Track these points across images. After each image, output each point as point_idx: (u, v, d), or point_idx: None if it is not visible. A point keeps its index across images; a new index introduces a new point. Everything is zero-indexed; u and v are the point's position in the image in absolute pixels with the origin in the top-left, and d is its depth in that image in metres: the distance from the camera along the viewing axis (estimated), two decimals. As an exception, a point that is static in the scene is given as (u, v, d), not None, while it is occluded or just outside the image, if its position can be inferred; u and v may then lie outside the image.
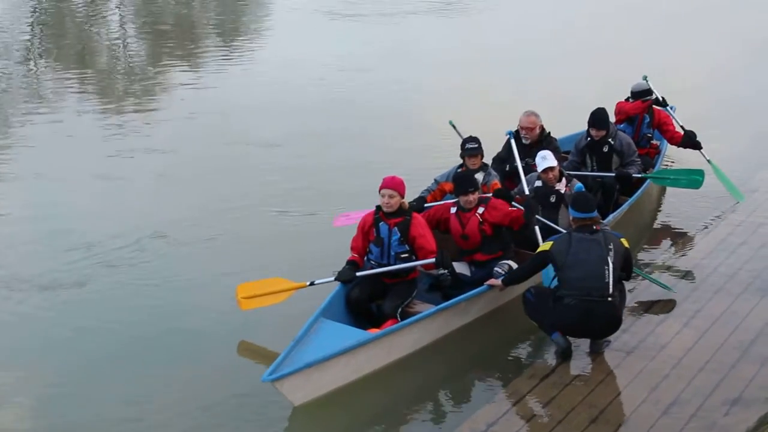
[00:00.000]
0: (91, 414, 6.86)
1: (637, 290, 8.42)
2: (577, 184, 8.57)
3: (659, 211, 10.82)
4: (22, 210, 10.74)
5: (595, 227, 7.39)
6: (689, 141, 10.95)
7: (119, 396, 7.04)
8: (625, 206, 9.66)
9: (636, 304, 8.19)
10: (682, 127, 11.09)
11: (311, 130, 13.57)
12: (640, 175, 10.01)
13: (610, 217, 9.26)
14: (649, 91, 11.05)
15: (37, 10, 24.35)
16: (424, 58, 18.24)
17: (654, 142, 11.15)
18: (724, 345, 7.51)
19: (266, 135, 13.38)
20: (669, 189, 10.98)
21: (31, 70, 18.06)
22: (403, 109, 14.74)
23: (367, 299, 7.87)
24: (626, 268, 7.48)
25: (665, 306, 8.19)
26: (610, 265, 7.17)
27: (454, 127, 10.01)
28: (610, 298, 7.16)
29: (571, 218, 7.55)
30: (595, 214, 7.55)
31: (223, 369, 7.42)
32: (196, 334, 7.97)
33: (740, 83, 16.48)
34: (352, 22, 22.35)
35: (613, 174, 9.89)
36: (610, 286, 7.15)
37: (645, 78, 11.22)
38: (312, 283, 7.90)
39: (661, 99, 11.09)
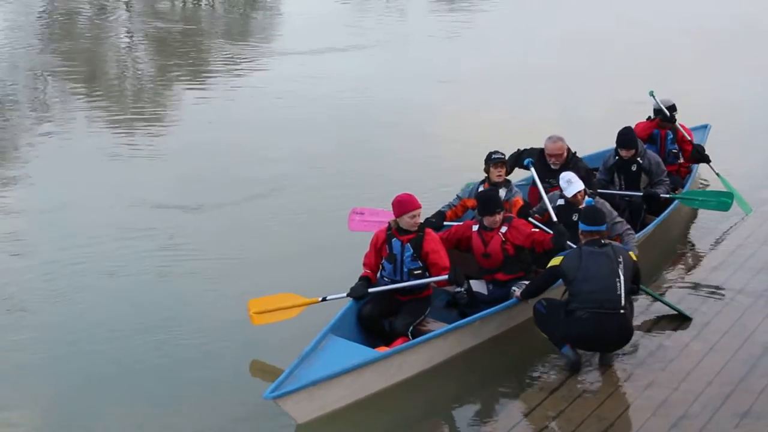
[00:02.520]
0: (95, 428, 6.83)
1: (647, 304, 8.28)
2: (588, 199, 8.42)
3: (687, 231, 10.50)
4: (23, 217, 10.70)
5: (603, 240, 7.31)
6: (697, 155, 10.79)
7: (123, 411, 6.97)
8: (651, 226, 9.45)
9: (645, 318, 8.06)
10: (690, 141, 10.93)
11: (320, 144, 13.42)
12: (668, 196, 9.79)
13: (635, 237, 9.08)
14: (671, 107, 10.81)
15: (44, 21, 24.37)
16: (433, 76, 18.00)
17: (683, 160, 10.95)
18: (734, 358, 7.38)
19: (275, 149, 13.25)
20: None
21: (39, 83, 18.01)
22: (414, 125, 14.57)
23: (379, 316, 7.71)
24: (635, 280, 7.42)
25: (674, 319, 8.07)
26: (621, 277, 7.10)
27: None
28: (622, 311, 7.09)
29: (580, 231, 7.46)
30: (605, 227, 7.46)
31: (230, 384, 7.32)
32: (205, 350, 7.86)
33: (749, 98, 16.23)
34: (360, 36, 22.22)
35: (641, 194, 9.71)
36: (622, 299, 7.08)
37: (651, 93, 11.05)
38: (324, 299, 7.79)
39: (668, 114, 10.90)
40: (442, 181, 11.23)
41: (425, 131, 14.21)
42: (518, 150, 9.74)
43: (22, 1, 26.01)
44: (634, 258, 7.40)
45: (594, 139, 11.41)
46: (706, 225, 10.44)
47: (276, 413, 6.63)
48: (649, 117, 10.95)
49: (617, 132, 9.88)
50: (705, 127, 11.90)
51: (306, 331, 7.43)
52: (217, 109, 15.73)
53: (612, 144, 10.06)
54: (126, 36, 22.96)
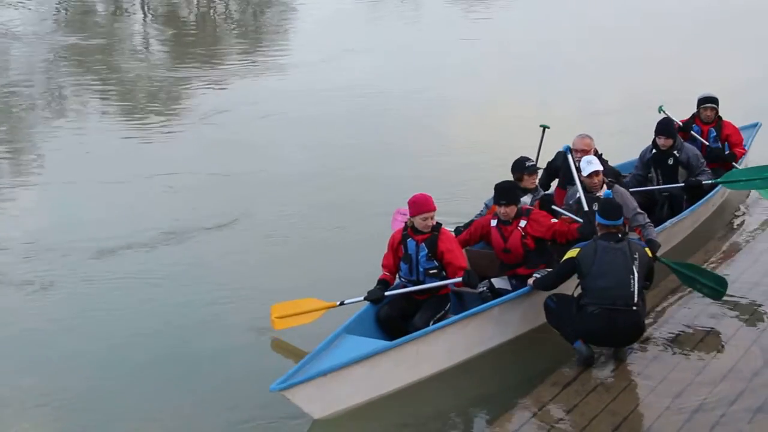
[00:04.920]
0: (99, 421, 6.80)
1: (660, 298, 8.14)
2: (606, 191, 8.15)
3: (710, 224, 10.02)
4: (42, 219, 10.71)
5: (620, 235, 7.16)
6: (714, 157, 10.22)
7: (140, 407, 6.94)
8: (686, 212, 9.19)
9: (658, 312, 7.90)
10: (708, 145, 10.32)
11: (336, 144, 13.28)
12: (710, 182, 9.44)
13: (668, 222, 8.84)
14: (704, 100, 10.37)
15: (60, 17, 24.43)
16: (451, 69, 17.82)
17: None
18: (747, 353, 7.21)
19: (292, 147, 13.17)
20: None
21: (53, 80, 18.05)
22: (431, 122, 14.46)
23: (397, 317, 7.56)
24: (649, 277, 7.29)
25: (688, 314, 7.90)
26: (635, 274, 6.98)
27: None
28: (635, 307, 6.96)
29: (596, 224, 7.30)
30: (621, 222, 7.31)
31: (247, 381, 7.23)
32: (224, 349, 7.79)
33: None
34: (374, 34, 22.07)
35: (681, 185, 9.40)
36: (635, 295, 6.96)
37: (660, 109, 10.41)
38: (342, 303, 7.66)
39: (680, 124, 10.36)
40: (462, 180, 11.15)
41: (442, 130, 14.07)
42: (548, 164, 9.54)
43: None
44: (650, 254, 7.27)
45: (619, 144, 11.20)
46: (718, 219, 10.17)
47: (290, 407, 6.53)
48: (693, 114, 10.45)
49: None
50: (755, 125, 11.49)
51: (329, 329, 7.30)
52: (232, 102, 15.69)
53: (633, 154, 9.83)
54: (140, 34, 22.99)
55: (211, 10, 27.22)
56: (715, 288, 7.82)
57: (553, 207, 8.24)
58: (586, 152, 9.11)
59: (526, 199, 8.40)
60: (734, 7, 23.02)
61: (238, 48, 21.45)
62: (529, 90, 16.34)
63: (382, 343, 6.92)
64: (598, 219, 7.29)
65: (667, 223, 8.87)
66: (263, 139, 13.73)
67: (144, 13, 26.06)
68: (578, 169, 8.58)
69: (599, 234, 7.25)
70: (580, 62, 17.95)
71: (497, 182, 8.00)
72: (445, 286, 7.64)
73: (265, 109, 15.43)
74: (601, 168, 8.26)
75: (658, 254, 7.97)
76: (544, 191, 9.05)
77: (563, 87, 16.18)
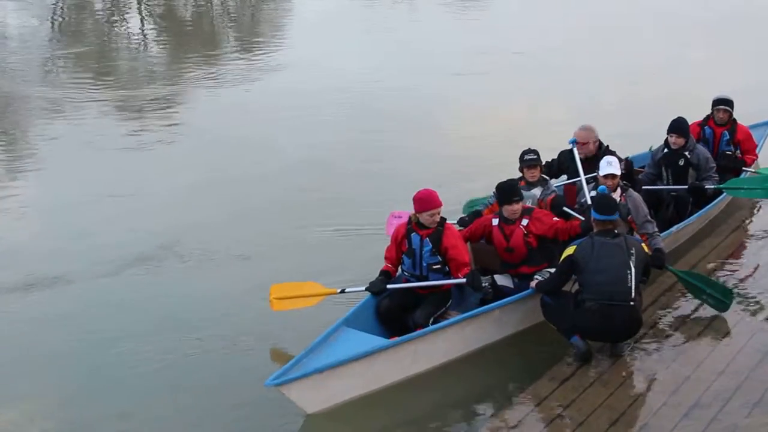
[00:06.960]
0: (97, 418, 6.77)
1: (657, 293, 8.07)
2: (600, 187, 7.98)
3: (743, 226, 9.83)
4: (41, 219, 10.62)
5: (615, 231, 7.11)
6: (724, 165, 9.96)
7: (133, 404, 6.90)
8: (693, 218, 9.09)
9: (656, 308, 7.84)
10: (714, 152, 10.04)
11: (337, 140, 13.16)
12: (713, 187, 9.32)
13: (674, 228, 8.74)
14: (718, 102, 10.10)
15: (57, 16, 24.31)
16: (448, 66, 17.60)
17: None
18: (744, 348, 7.15)
19: (292, 143, 13.03)
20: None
21: (51, 76, 17.88)
22: (429, 118, 14.30)
23: (398, 309, 7.50)
24: (646, 272, 7.25)
25: (685, 309, 7.85)
26: (633, 269, 6.93)
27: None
28: (632, 302, 6.93)
29: (592, 219, 7.24)
30: (617, 216, 7.25)
31: (238, 376, 7.19)
32: (219, 343, 7.75)
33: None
34: (371, 28, 21.86)
35: (685, 187, 9.27)
36: (633, 291, 6.92)
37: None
38: (343, 291, 7.64)
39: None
40: (461, 176, 11.07)
41: (442, 127, 13.95)
42: (552, 160, 9.38)
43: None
44: (647, 249, 7.23)
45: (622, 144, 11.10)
46: (728, 218, 10.02)
47: (284, 401, 6.49)
48: (709, 115, 10.22)
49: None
50: (766, 123, 11.32)
51: (327, 325, 7.23)
52: (231, 99, 15.51)
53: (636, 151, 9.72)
54: (137, 30, 22.84)
55: (209, 4, 27.00)
56: (721, 300, 7.74)
57: (565, 209, 8.14)
58: (582, 144, 9.04)
59: (535, 192, 8.36)
60: (735, 8, 22.81)
61: (235, 46, 21.21)
62: (529, 90, 16.21)
63: (381, 341, 6.87)
64: (592, 214, 7.24)
65: (673, 229, 8.77)
66: (260, 138, 13.52)
67: (140, 15, 25.90)
68: (582, 162, 8.51)
69: (595, 230, 7.19)
70: (588, 62, 17.72)
71: (499, 182, 7.90)
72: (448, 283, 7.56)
73: (264, 106, 15.21)
74: (618, 172, 8.09)
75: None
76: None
77: (563, 87, 16.04)
